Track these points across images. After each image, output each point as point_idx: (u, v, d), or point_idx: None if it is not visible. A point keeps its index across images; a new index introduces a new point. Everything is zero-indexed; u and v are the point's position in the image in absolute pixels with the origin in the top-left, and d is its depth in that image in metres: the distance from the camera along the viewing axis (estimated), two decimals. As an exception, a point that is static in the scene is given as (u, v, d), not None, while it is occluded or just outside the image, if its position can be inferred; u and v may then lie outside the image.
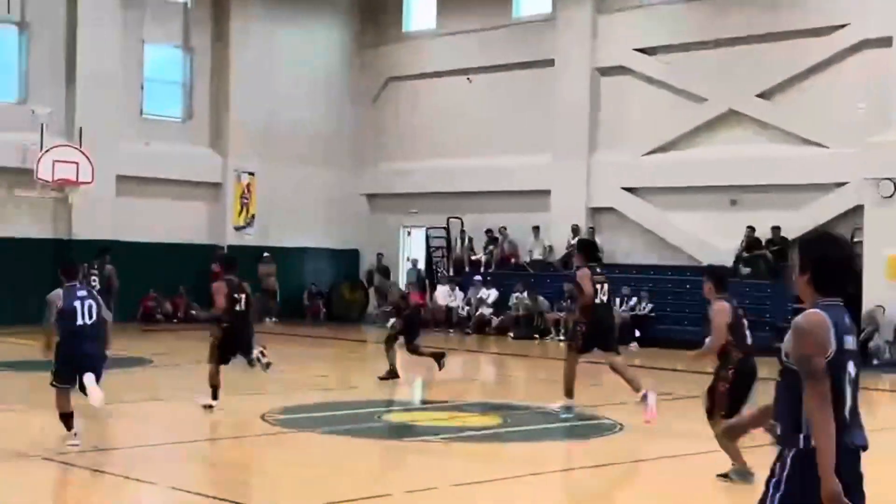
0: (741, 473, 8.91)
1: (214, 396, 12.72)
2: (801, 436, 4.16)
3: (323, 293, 29.79)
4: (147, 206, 27.07)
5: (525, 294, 25.27)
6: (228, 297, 12.76)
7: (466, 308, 26.33)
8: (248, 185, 28.81)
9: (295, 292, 29.60)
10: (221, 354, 12.77)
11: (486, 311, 25.82)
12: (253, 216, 28.90)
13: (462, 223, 28.34)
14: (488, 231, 27.42)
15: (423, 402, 14.78)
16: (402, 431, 12.03)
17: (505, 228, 27.19)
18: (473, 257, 27.65)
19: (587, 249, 12.95)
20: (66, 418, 10.29)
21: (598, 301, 12.20)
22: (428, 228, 28.91)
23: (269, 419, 12.14)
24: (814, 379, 4.11)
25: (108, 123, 25.88)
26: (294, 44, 29.72)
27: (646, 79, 25.46)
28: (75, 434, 10.27)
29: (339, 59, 30.76)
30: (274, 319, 28.20)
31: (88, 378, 10.10)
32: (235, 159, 28.52)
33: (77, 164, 24.54)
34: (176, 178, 27.47)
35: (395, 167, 30.10)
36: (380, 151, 30.60)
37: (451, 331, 25.93)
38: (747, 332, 9.18)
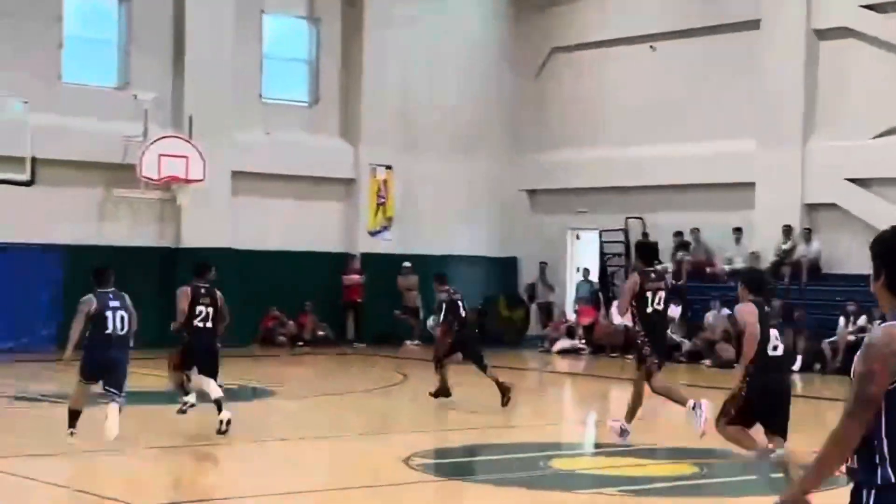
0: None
1: (185, 392, 13.42)
2: (879, 471, 4.16)
3: (474, 309, 29.38)
4: (267, 208, 27.16)
5: (723, 312, 24.33)
6: (189, 308, 13.25)
7: (650, 328, 25.56)
8: (385, 181, 28.69)
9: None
10: (183, 366, 13.29)
11: (675, 332, 25.02)
12: (390, 218, 28.77)
13: (644, 224, 27.72)
14: (677, 234, 26.75)
15: (597, 445, 14.25)
16: (573, 482, 11.66)
17: (698, 230, 26.48)
18: (659, 266, 26.95)
19: (643, 252, 13.92)
20: (74, 415, 12.14)
21: (650, 310, 12.90)
22: (602, 231, 28.44)
23: (412, 464, 11.79)
24: (857, 404, 4.13)
25: (222, 110, 26.06)
26: (439, 11, 29.50)
27: (876, 43, 24.37)
28: (72, 433, 12.14)
29: (492, 27, 30.42)
30: (416, 342, 27.95)
31: (112, 409, 11.86)
32: (370, 150, 28.44)
33: (186, 158, 24.73)
34: (301, 173, 27.51)
35: (560, 157, 29.59)
36: (542, 138, 30.14)
37: (629, 356, 25.16)
38: (773, 344, 9.78)
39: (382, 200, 28.72)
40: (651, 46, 27.96)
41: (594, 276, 28.14)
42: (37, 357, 22.03)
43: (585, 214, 29.17)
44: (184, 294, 13.67)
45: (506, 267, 30.71)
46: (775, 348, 9.85)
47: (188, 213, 25.46)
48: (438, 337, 16.59)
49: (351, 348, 27.19)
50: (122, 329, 12.04)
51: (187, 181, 24.77)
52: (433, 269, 29.14)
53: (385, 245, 28.60)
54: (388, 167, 28.75)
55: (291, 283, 27.08)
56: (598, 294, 27.61)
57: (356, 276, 27.72)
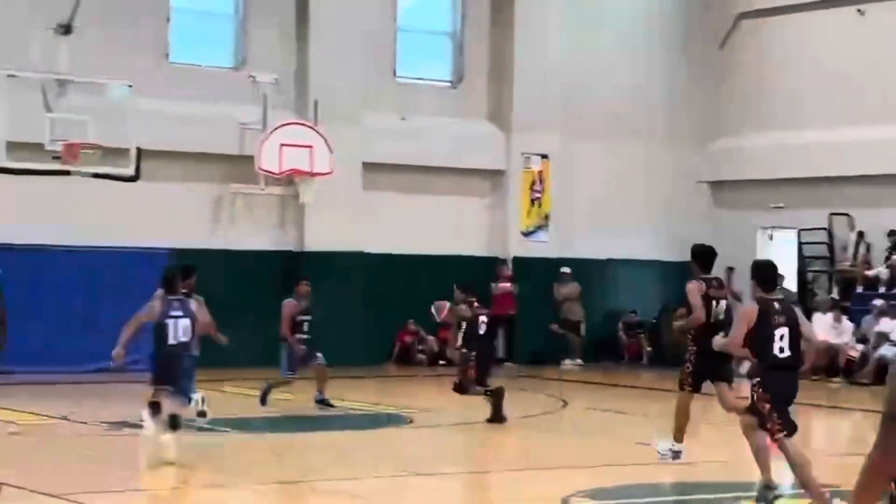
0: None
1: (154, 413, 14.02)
2: None
3: (646, 324, 29.25)
4: (403, 205, 27.41)
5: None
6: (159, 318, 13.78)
7: (860, 347, 25.21)
8: (541, 174, 28.72)
9: (606, 323, 29.26)
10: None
11: (890, 351, 24.59)
12: (547, 216, 28.79)
13: (852, 222, 27.32)
14: (892, 233, 26.25)
15: (797, 485, 14.00)
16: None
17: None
18: (870, 272, 26.54)
19: (701, 257, 14.17)
20: (155, 406, 13.47)
21: (712, 322, 13.36)
22: (800, 231, 28.11)
23: (573, 505, 11.79)
24: (889, 424, 4.18)
25: (352, 92, 26.41)
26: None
27: None
28: (146, 420, 13.42)
29: (666, -9, 30.32)
30: (577, 362, 27.94)
31: (167, 438, 13.12)
32: (523, 137, 28.50)
33: (311, 148, 25.13)
34: (442, 164, 27.71)
35: (749, 143, 29.30)
36: (726, 121, 29.89)
37: (837, 379, 24.78)
38: (779, 344, 10.95)
39: (537, 196, 28.76)
40: (858, 10, 27.51)
41: (790, 284, 27.74)
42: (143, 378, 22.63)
43: (781, 210, 28.82)
44: (152, 307, 14.42)
45: (683, 272, 30.39)
46: (781, 350, 10.97)
47: (313, 212, 25.85)
48: (462, 363, 17.55)
49: (501, 368, 27.29)
50: (185, 337, 13.54)
51: (312, 174, 25.16)
52: (596, 275, 29.24)
53: (540, 248, 28.63)
54: (545, 157, 28.77)
55: (431, 292, 27.20)
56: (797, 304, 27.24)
57: (507, 285, 27.82)
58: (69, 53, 22.45)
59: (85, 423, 16.51)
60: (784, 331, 11.09)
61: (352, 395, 20.93)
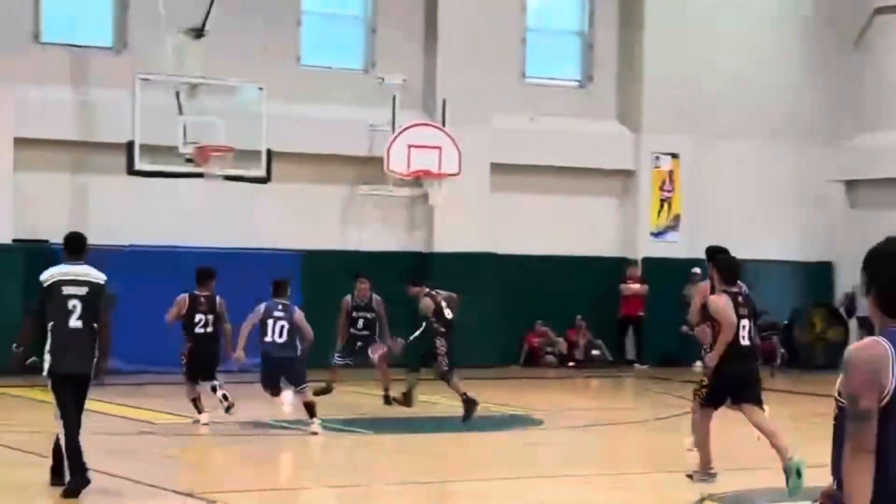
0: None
1: (198, 410, 16.47)
2: (881, 486, 4.60)
3: (779, 326, 28.92)
4: (532, 205, 27.41)
5: None
6: (188, 314, 16.47)
7: None
8: (671, 173, 28.54)
9: (738, 325, 29.01)
10: (189, 374, 16.43)
11: None
12: (677, 216, 28.60)
13: None
14: None
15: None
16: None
17: None
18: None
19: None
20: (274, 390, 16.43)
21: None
22: (937, 231, 27.47)
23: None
24: (854, 422, 4.61)
25: (480, 93, 26.45)
26: (735, -30, 29.21)
27: None
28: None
29: (799, -13, 29.95)
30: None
31: (287, 395, 16.64)
32: (652, 137, 28.35)
33: (439, 149, 25.23)
34: (571, 165, 27.65)
35: (884, 140, 28.80)
36: (863, 118, 29.43)
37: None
38: (742, 333, 12.00)
39: (667, 195, 28.58)
40: None
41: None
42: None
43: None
44: (178, 302, 16.86)
45: (818, 274, 30.04)
46: (743, 338, 12.16)
47: (441, 213, 25.94)
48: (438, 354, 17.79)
49: (630, 370, 27.17)
50: (281, 337, 15.90)
51: (440, 175, 25.26)
52: (729, 276, 28.93)
53: (670, 248, 28.44)
54: (675, 156, 28.58)
55: (560, 293, 27.25)
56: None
57: (636, 286, 27.68)
58: (201, 57, 22.80)
59: (219, 423, 16.76)
60: (746, 322, 12.29)
61: (481, 396, 20.95)
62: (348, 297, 19.57)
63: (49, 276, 11.65)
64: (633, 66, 28.47)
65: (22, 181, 23.17)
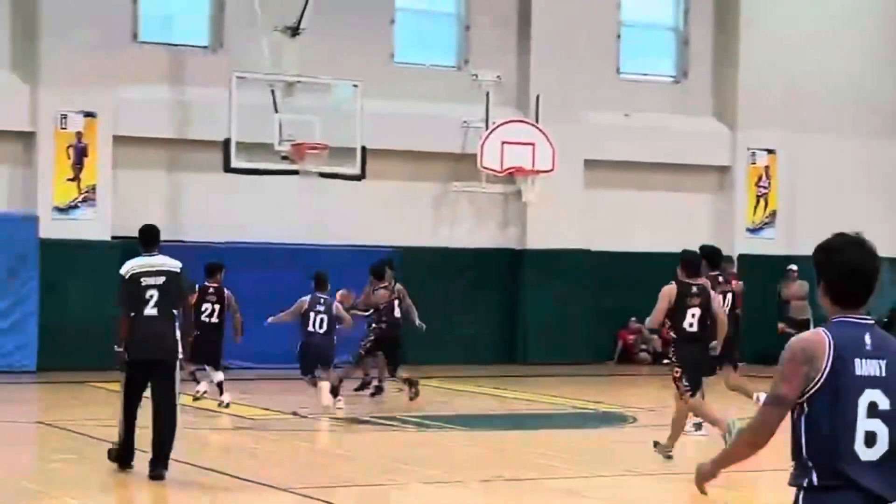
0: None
1: (196, 381, 17.92)
2: (810, 473, 5.11)
3: (877, 323, 28.62)
4: (626, 202, 27.31)
5: None
6: (196, 304, 17.14)
7: None
8: (767, 169, 28.30)
9: (836, 323, 28.71)
10: (192, 359, 16.67)
11: None
12: (773, 212, 28.36)
13: None
14: None
15: None
16: None
17: None
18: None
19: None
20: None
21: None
22: None
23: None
24: (769, 403, 5.15)
25: (574, 89, 26.40)
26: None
27: None
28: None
29: (899, -21, 29.53)
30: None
31: (323, 385, 17.30)
32: (749, 132, 28.12)
33: (533, 145, 25.22)
34: (666, 161, 27.52)
35: None
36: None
37: None
38: (690, 320, 13.98)
39: (764, 192, 28.35)
40: None
41: None
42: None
43: None
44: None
45: (917, 271, 29.65)
46: (691, 325, 14.04)
47: (535, 210, 25.92)
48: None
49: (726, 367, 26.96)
50: (322, 329, 17.37)
51: (534, 172, 25.25)
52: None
53: (767, 245, 28.21)
54: (771, 151, 28.34)
55: (655, 290, 26.94)
56: None
57: (733, 283, 27.44)
58: (297, 55, 22.98)
59: (316, 418, 16.91)
60: (696, 310, 14.11)
61: (574, 393, 20.97)
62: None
63: (129, 268, 12.27)
64: (728, 61, 28.26)
65: (120, 179, 23.51)
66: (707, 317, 14.15)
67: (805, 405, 5.06)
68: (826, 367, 5.01)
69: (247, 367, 22.86)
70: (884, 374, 5.05)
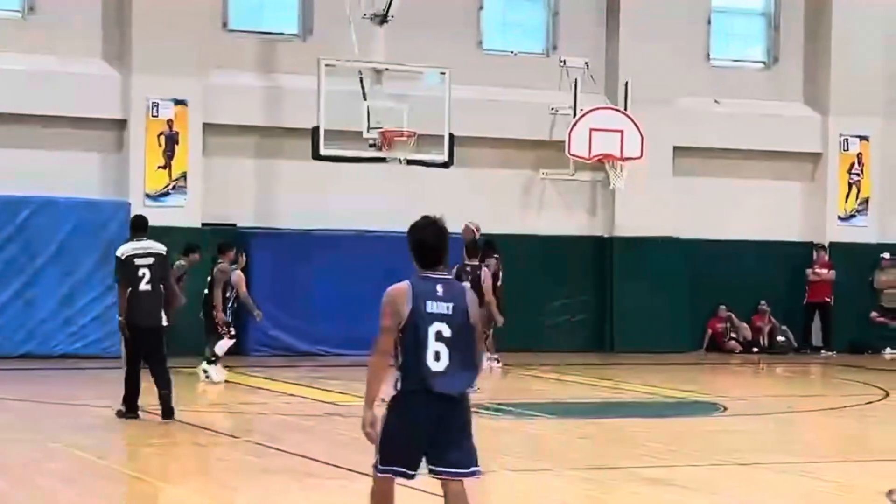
0: None
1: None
2: (401, 381, 7.39)
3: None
4: (716, 190, 27.09)
5: None
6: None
7: None
8: (860, 156, 27.94)
9: (930, 311, 28.37)
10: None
11: None
12: (866, 200, 27.99)
13: None
14: None
15: None
16: None
17: None
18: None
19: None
20: None
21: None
22: None
23: None
24: (380, 334, 7.38)
25: (664, 75, 26.18)
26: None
27: None
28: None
29: None
30: (899, 351, 27.27)
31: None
32: (841, 119, 27.78)
33: (621, 132, 25.06)
34: (757, 148, 27.26)
35: None
36: None
37: None
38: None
39: (856, 179, 28.00)
40: None
41: None
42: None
43: None
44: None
45: None
46: None
47: (623, 197, 25.77)
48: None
49: (818, 357, 26.70)
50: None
51: (623, 159, 25.08)
52: (920, 262, 28.25)
53: (859, 233, 27.84)
54: (864, 138, 27.98)
55: (744, 278, 26.90)
56: None
57: (824, 271, 27.17)
58: (385, 43, 22.96)
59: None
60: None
61: (664, 382, 20.82)
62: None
63: (124, 251, 15.00)
64: (820, 46, 27.91)
65: (211, 166, 23.65)
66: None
67: (400, 333, 7.33)
68: (409, 306, 7.34)
69: (337, 354, 22.93)
70: (450, 313, 7.37)
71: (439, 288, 7.46)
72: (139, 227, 15.41)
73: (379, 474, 7.51)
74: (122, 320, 14.86)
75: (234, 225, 23.80)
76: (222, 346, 19.21)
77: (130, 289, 14.72)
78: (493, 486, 12.17)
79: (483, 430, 15.55)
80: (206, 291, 19.38)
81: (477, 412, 16.48)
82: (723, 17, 27.84)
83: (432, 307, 7.37)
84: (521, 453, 13.49)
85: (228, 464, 12.31)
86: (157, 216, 22.94)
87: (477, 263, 19.43)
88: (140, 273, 14.71)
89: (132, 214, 22.20)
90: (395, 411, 7.37)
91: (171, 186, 23.29)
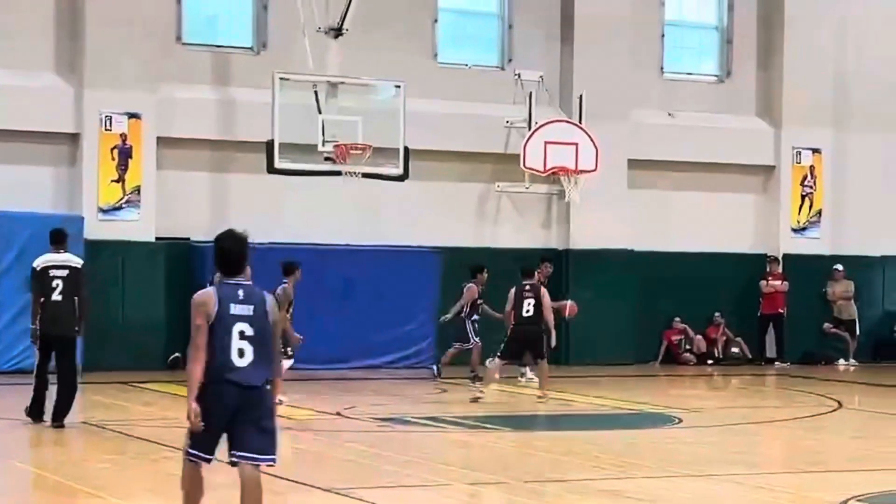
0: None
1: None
2: (206, 375, 8.38)
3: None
4: (670, 202, 27.19)
5: None
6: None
7: None
8: (812, 168, 28.09)
9: (882, 322, 28.59)
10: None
11: None
12: (818, 212, 28.13)
13: None
14: None
15: None
16: None
17: None
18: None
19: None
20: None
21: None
22: None
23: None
24: (193, 333, 8.40)
25: (618, 88, 26.25)
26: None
27: None
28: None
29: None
30: (852, 362, 27.30)
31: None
32: (794, 131, 27.92)
33: (576, 145, 25.13)
34: (710, 160, 27.37)
35: None
36: None
37: None
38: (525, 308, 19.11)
39: (809, 191, 28.14)
40: None
41: None
42: (413, 375, 23.02)
43: None
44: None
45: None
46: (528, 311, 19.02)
47: (579, 210, 25.83)
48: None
49: (772, 368, 26.81)
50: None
51: (577, 172, 25.15)
52: (871, 273, 28.42)
53: (812, 245, 27.99)
54: (817, 151, 28.13)
55: (699, 290, 27.00)
56: None
57: (777, 283, 27.30)
58: (340, 56, 22.94)
59: (358, 418, 16.85)
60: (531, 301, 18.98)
61: (619, 394, 20.86)
62: (473, 286, 21.69)
63: (40, 262, 15.38)
64: (772, 60, 28.09)
65: (164, 180, 23.54)
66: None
67: (209, 332, 8.33)
68: (215, 308, 8.38)
69: (292, 368, 22.84)
70: (251, 314, 8.42)
71: (240, 292, 8.49)
72: (59, 239, 15.73)
73: (189, 459, 8.59)
74: (34, 328, 15.30)
75: (188, 239, 23.69)
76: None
77: (43, 298, 15.23)
78: (446, 500, 12.16)
79: (438, 443, 15.60)
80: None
81: (431, 425, 16.54)
82: (676, 30, 27.95)
83: (235, 309, 8.43)
84: (477, 467, 13.46)
85: (176, 477, 12.20)
86: (111, 230, 22.95)
87: (535, 283, 19.74)
88: (54, 284, 15.21)
89: (84, 228, 22.30)
90: (202, 401, 8.34)
91: (124, 200, 23.17)
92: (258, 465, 8.56)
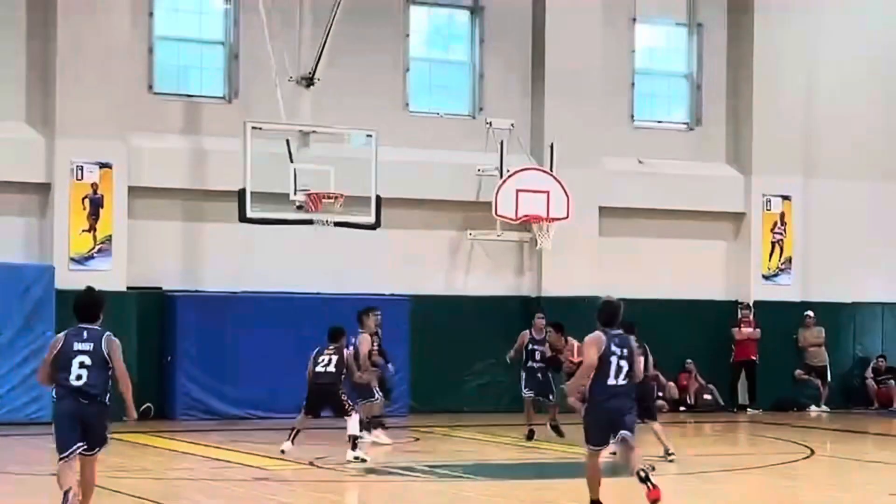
0: None
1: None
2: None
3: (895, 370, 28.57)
4: (641, 249, 27.27)
5: None
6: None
7: None
8: (782, 215, 28.25)
9: (854, 369, 28.76)
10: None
11: None
12: (789, 259, 28.27)
13: None
14: None
15: None
16: None
17: None
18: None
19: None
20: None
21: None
22: None
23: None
24: (41, 364, 11.85)
25: (588, 136, 26.40)
26: (847, 9, 28.83)
27: None
28: None
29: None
30: (824, 408, 27.40)
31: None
32: (763, 179, 28.08)
33: (548, 193, 25.26)
34: (680, 208, 27.51)
35: None
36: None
37: None
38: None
39: (779, 238, 28.30)
40: None
41: None
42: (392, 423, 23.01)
43: None
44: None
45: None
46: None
47: (550, 257, 25.92)
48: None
49: (744, 415, 26.88)
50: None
51: (549, 220, 25.28)
52: (842, 319, 28.57)
53: (783, 292, 28.13)
54: (787, 198, 28.29)
55: (670, 337, 26.96)
56: None
57: (749, 330, 27.42)
58: (311, 105, 23.04)
59: (332, 468, 16.84)
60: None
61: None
62: (526, 332, 21.40)
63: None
64: (742, 108, 28.28)
65: (136, 229, 23.54)
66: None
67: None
68: (60, 345, 11.30)
69: (264, 417, 22.84)
70: (90, 349, 11.39)
71: (84, 333, 11.45)
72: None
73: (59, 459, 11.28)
74: None
75: (160, 288, 23.70)
76: (355, 425, 18.05)
77: None
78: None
79: (410, 492, 15.58)
80: (328, 368, 18.50)
81: (403, 474, 16.50)
82: (646, 79, 28.13)
83: (78, 346, 11.38)
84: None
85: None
86: (82, 280, 22.81)
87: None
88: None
89: (55, 278, 22.29)
90: (55, 411, 11.54)
91: (95, 250, 23.15)
92: (94, 455, 11.69)
